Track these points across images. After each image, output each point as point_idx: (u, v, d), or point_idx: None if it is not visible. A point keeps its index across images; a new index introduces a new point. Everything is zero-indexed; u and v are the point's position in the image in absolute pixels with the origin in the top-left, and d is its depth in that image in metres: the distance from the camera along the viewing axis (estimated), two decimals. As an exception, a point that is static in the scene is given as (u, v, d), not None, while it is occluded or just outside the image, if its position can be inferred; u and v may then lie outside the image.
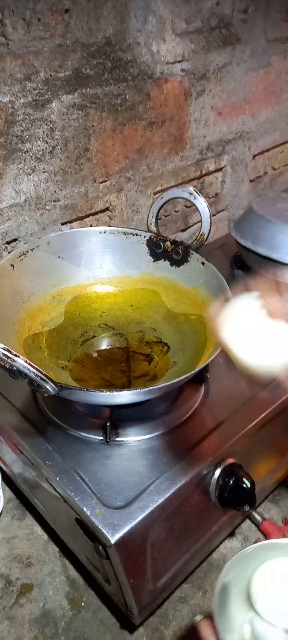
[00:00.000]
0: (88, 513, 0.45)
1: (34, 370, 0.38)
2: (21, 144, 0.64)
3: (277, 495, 0.66)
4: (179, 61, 0.77)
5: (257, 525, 0.61)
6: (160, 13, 0.71)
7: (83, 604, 0.54)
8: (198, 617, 0.38)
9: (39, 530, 0.60)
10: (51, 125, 0.66)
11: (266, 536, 0.60)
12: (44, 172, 0.67)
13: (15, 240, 0.68)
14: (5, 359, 0.37)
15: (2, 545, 0.58)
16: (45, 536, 0.60)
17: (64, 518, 0.52)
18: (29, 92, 0.62)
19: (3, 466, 0.61)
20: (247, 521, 0.62)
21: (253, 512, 0.61)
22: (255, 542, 0.60)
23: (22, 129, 0.63)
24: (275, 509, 0.64)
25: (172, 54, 0.76)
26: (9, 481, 0.62)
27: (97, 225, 0.77)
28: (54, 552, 0.58)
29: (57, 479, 0.48)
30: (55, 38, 0.61)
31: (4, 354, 0.37)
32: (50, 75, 0.63)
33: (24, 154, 0.64)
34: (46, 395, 0.44)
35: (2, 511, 0.59)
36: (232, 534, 0.61)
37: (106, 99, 0.70)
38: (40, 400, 0.57)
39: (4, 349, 0.37)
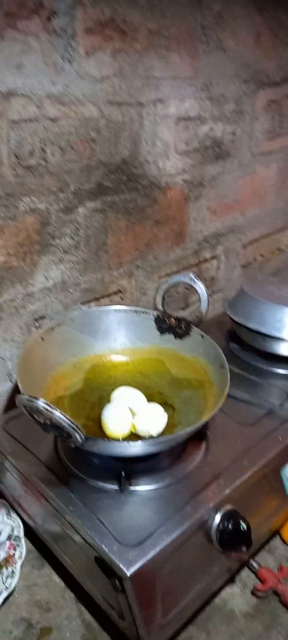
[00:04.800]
0: (106, 550, 0.49)
1: (68, 421, 0.44)
2: (52, 240, 0.73)
3: (272, 546, 0.69)
4: (180, 174, 0.89)
5: (255, 572, 0.64)
6: (165, 139, 0.83)
7: (98, 644, 0.56)
8: None
9: (56, 578, 0.62)
10: (77, 226, 0.75)
11: (263, 582, 0.63)
12: (69, 262, 0.76)
13: (42, 317, 0.76)
14: (45, 411, 0.44)
15: (23, 592, 0.60)
16: (62, 584, 0.62)
17: (83, 561, 0.55)
18: (60, 200, 0.72)
19: (26, 519, 0.64)
20: (246, 569, 0.65)
21: (251, 561, 0.64)
22: (254, 588, 0.63)
23: (54, 228, 0.72)
24: (271, 558, 0.67)
25: (174, 168, 0.87)
26: (29, 535, 0.65)
27: (110, 305, 0.86)
28: (70, 598, 0.60)
29: (80, 522, 0.52)
30: (83, 160, 0.72)
31: (44, 408, 0.43)
32: (78, 188, 0.73)
33: (54, 248, 0.73)
34: (73, 445, 0.49)
35: (23, 561, 0.61)
36: (232, 581, 0.64)
37: (121, 204, 0.81)
38: (63, 454, 0.61)
39: (44, 403, 0.44)
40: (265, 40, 0.95)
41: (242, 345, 0.87)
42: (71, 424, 0.45)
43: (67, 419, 0.44)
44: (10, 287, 0.70)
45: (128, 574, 0.48)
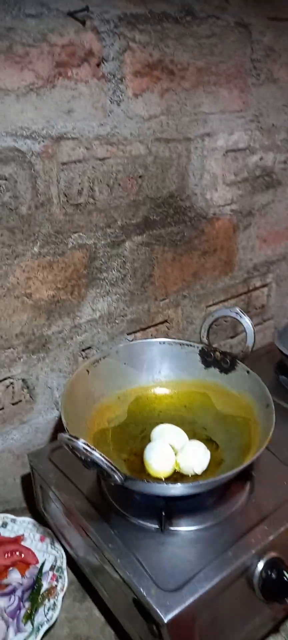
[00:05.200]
0: (144, 594, 0.49)
1: (107, 462, 0.45)
2: (99, 274, 0.75)
3: None
4: (228, 204, 0.87)
5: (301, 624, 0.61)
6: (213, 171, 0.83)
7: None
8: None
9: (97, 613, 0.62)
10: (124, 259, 0.77)
11: (309, 637, 0.59)
12: (115, 294, 0.78)
13: (89, 348, 0.77)
14: (85, 452, 0.45)
15: (64, 625, 0.60)
16: (103, 619, 0.61)
17: (122, 599, 0.54)
18: (108, 235, 0.74)
19: (69, 549, 0.65)
20: (292, 619, 0.62)
21: (297, 611, 0.61)
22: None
23: (101, 262, 0.74)
24: None
25: (222, 199, 0.86)
26: (72, 565, 0.65)
27: (156, 335, 0.85)
28: (110, 635, 0.59)
29: (118, 561, 0.52)
30: (130, 196, 0.74)
31: (84, 448, 0.44)
32: (125, 223, 0.75)
33: (101, 281, 0.75)
34: (113, 484, 0.49)
35: (65, 593, 0.61)
36: (276, 630, 0.61)
37: (168, 237, 0.81)
38: (105, 489, 0.61)
39: (84, 444, 0.44)
40: None
41: (292, 379, 0.84)
42: (110, 466, 0.45)
43: (106, 460, 0.45)
44: (58, 319, 0.73)
45: (165, 620, 0.47)
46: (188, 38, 0.73)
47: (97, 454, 0.45)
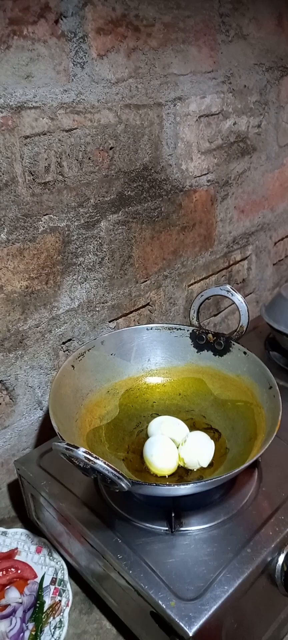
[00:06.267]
0: (164, 606, 0.44)
1: (112, 470, 0.39)
2: (75, 259, 0.68)
3: None
4: (205, 174, 0.83)
5: None
6: (187, 139, 0.78)
7: None
8: None
9: (107, 624, 0.57)
10: (100, 241, 0.71)
11: None
12: (94, 279, 0.71)
13: (69, 340, 0.71)
14: (87, 461, 0.38)
15: None
16: (114, 630, 0.56)
17: (135, 610, 0.49)
18: (81, 216, 0.67)
19: (69, 559, 0.59)
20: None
21: None
22: None
23: (76, 246, 0.68)
24: None
25: (198, 169, 0.81)
26: (74, 574, 0.60)
27: (139, 319, 0.80)
28: None
29: (130, 572, 0.47)
30: (102, 170, 0.67)
31: (86, 457, 0.38)
32: (99, 200, 0.68)
33: (77, 267, 0.69)
34: (118, 491, 0.44)
35: (70, 606, 0.56)
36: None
37: (145, 213, 0.75)
38: (103, 491, 0.56)
39: (85, 452, 0.38)
40: (287, 22, 0.89)
41: (283, 353, 0.80)
42: (116, 474, 0.39)
43: (111, 468, 0.39)
44: (34, 312, 0.65)
45: (190, 633, 0.42)
46: (154, -11, 0.67)
47: (101, 463, 0.39)
